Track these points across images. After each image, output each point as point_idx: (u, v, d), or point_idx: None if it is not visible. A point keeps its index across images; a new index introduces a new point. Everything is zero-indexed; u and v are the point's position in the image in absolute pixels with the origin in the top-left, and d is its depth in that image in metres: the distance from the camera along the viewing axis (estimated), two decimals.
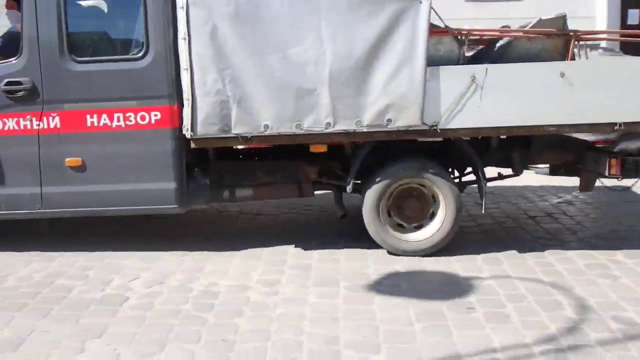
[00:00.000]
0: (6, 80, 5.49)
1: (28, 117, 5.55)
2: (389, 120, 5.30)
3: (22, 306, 4.66)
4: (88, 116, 5.50)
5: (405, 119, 5.29)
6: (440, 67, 5.35)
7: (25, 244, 6.05)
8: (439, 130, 5.36)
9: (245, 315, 4.44)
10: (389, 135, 5.42)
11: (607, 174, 5.66)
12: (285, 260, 5.58)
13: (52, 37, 5.47)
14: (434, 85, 5.28)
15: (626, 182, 6.26)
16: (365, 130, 5.35)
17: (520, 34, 5.82)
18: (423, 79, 5.22)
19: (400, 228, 5.76)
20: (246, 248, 5.88)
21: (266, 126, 5.34)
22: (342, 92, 5.26)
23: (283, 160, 5.96)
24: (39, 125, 5.53)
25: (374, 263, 5.46)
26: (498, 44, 5.87)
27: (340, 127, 5.33)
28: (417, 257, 5.57)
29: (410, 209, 5.75)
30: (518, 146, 6.02)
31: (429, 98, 5.28)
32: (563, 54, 5.74)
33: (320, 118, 5.32)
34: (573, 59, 5.74)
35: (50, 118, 5.53)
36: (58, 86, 5.53)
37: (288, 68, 5.25)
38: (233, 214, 7.23)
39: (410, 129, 5.34)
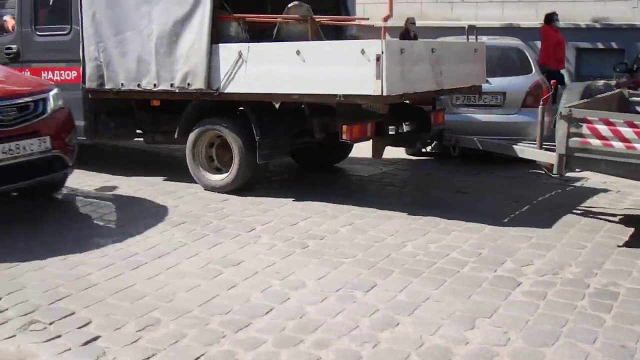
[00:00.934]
0: (6, 46, 8.38)
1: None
2: (189, 84, 6.95)
3: (419, 273, 4.85)
4: (42, 72, 8.11)
5: (197, 83, 6.89)
6: (220, 44, 6.83)
7: (420, 214, 6.32)
8: (217, 94, 6.89)
9: None
10: (191, 96, 7.14)
11: (339, 139, 6.49)
12: None
13: (27, 18, 8.28)
14: (215, 59, 6.82)
15: None
16: (177, 90, 7.08)
17: (279, 19, 7.29)
18: (207, 53, 6.80)
19: (212, 170, 7.37)
20: None
21: (122, 84, 7.42)
22: (162, 60, 7.07)
23: (174, 113, 7.52)
24: None
25: None
26: (275, 28, 7.33)
27: (161, 87, 7.17)
28: None
29: (225, 157, 7.27)
30: (322, 113, 7.05)
31: (213, 68, 6.84)
32: (320, 36, 7.24)
33: (150, 80, 7.20)
34: (320, 39, 7.13)
35: (25, 73, 7.90)
36: (28, 51, 8.30)
37: (133, 42, 7.24)
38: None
39: (203, 91, 6.93)
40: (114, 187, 7.45)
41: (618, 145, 5.33)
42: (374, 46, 5.93)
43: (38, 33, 8.23)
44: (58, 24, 8.14)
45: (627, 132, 5.32)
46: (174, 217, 6.24)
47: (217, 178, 7.23)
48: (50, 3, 8.25)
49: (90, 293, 4.48)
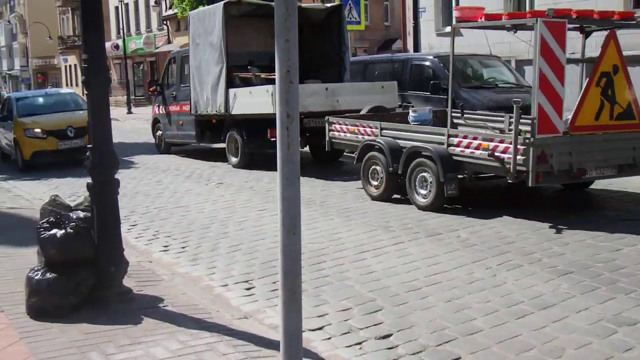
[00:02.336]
0: (172, 93, 15.66)
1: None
2: (220, 109, 13.16)
3: None
4: (183, 106, 15.04)
5: (222, 109, 13.03)
6: (230, 89, 12.88)
7: None
8: (229, 115, 12.97)
9: None
10: (222, 116, 13.41)
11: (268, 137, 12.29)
12: None
13: (178, 79, 15.65)
14: (228, 96, 12.88)
15: None
16: (217, 113, 13.34)
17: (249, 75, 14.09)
18: (226, 93, 12.88)
19: (233, 155, 13.46)
20: None
21: (202, 111, 13.91)
22: (211, 97, 13.39)
23: (221, 127, 14.07)
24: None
25: None
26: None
27: (211, 112, 13.54)
28: None
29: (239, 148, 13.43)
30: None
31: (228, 101, 12.85)
32: (262, 83, 13.12)
33: (208, 108, 13.70)
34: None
35: (181, 107, 15.24)
36: (179, 95, 15.30)
37: (203, 88, 13.85)
38: None
39: (225, 114, 13.06)
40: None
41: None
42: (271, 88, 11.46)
43: (182, 85, 15.01)
44: (189, 81, 14.35)
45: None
46: (560, 266, 5.94)
47: (235, 160, 13.23)
48: (186, 72, 14.69)
49: (476, 339, 4.46)
